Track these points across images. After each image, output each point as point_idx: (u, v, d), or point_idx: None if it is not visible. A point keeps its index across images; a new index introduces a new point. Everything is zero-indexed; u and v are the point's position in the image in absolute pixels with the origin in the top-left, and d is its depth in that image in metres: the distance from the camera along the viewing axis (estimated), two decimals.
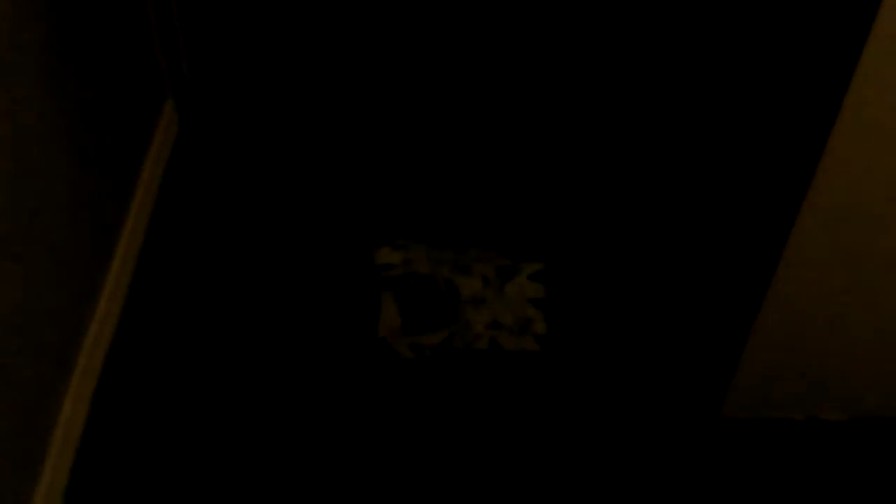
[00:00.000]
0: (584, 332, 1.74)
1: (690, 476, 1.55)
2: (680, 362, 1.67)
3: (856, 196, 1.31)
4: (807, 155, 1.30)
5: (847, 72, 1.18)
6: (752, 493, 1.53)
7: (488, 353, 1.69)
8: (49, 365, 1.47)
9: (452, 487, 1.51)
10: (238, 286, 1.80)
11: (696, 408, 1.60)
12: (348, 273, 1.82)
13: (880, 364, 1.55)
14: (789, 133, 1.75)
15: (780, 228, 1.36)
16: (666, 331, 1.73)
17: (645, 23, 1.92)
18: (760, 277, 1.44)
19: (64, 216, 1.53)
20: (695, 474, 1.55)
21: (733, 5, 1.83)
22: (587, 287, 1.82)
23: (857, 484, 1.55)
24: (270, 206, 1.96)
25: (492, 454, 1.55)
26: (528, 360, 1.69)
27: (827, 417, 1.60)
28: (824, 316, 1.48)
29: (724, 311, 1.70)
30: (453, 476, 1.52)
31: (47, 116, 1.46)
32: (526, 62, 2.04)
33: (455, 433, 1.58)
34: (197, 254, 1.86)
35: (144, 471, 1.52)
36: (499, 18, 1.97)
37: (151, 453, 1.54)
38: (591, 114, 2.07)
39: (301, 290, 1.80)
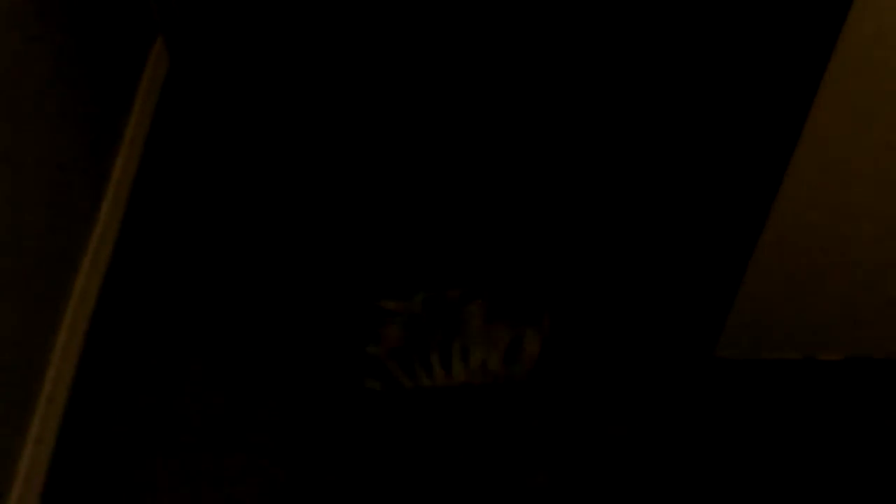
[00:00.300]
0: (583, 275, 1.71)
1: (686, 417, 1.53)
2: (674, 302, 1.65)
3: (852, 132, 1.27)
4: (802, 88, 1.26)
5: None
6: (747, 433, 1.52)
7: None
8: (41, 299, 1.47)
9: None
10: (226, 215, 1.79)
11: (690, 349, 1.58)
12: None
13: (878, 305, 1.52)
14: (787, 61, 1.70)
15: (776, 167, 1.33)
16: (661, 270, 1.70)
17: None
18: (756, 215, 1.41)
19: (56, 148, 1.51)
20: (690, 415, 1.54)
21: None
22: (587, 230, 1.78)
23: (852, 424, 1.53)
24: (261, 141, 1.92)
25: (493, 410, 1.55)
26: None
27: (823, 358, 1.57)
28: (821, 255, 1.44)
29: (719, 250, 1.67)
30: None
31: (38, 51, 1.44)
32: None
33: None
34: (189, 186, 1.85)
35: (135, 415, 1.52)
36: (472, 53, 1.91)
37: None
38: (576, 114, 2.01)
39: (295, 222, 1.79)
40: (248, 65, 2.09)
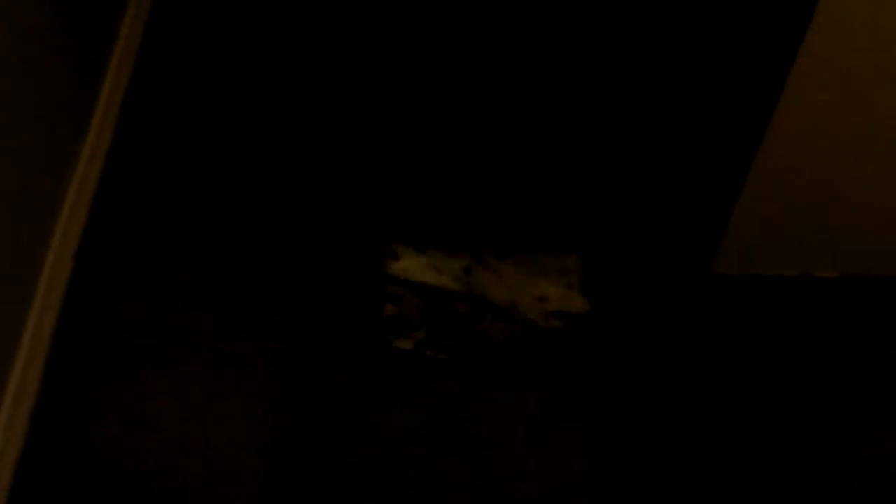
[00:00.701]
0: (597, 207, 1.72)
1: (686, 330, 1.55)
2: (672, 219, 1.65)
3: (847, 51, 1.28)
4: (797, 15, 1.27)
5: None
6: (744, 347, 1.52)
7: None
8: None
9: None
10: (221, 132, 1.77)
11: (688, 264, 1.58)
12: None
13: (872, 222, 1.53)
14: None
15: (771, 85, 1.33)
16: (659, 188, 1.70)
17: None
18: (753, 132, 1.41)
19: (48, 56, 1.49)
20: (690, 329, 1.55)
21: None
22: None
23: (845, 340, 1.54)
24: (252, 55, 1.90)
25: None
26: None
27: (819, 275, 1.58)
28: (817, 172, 1.45)
29: (716, 167, 1.67)
30: None
31: None
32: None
33: None
34: (182, 93, 1.83)
35: None
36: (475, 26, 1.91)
37: None
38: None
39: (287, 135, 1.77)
40: None
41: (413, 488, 1.39)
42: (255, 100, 1.83)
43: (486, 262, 1.55)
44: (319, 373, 1.49)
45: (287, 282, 1.59)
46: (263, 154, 1.75)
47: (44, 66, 1.48)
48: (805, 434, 1.44)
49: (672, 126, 1.78)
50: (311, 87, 1.85)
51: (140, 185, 1.70)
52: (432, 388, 1.48)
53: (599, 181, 1.72)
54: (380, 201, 1.69)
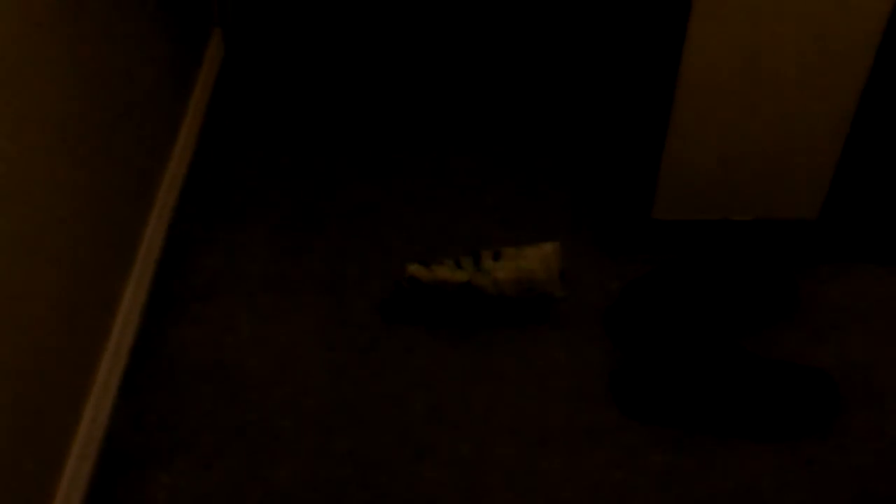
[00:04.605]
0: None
1: (632, 260, 2.03)
2: (619, 179, 2.11)
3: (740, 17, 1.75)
4: None
5: None
6: (677, 276, 1.98)
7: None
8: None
9: None
10: (277, 188, 2.30)
11: (633, 212, 2.05)
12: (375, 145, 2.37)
13: (777, 173, 1.95)
14: None
15: (671, 60, 1.78)
16: (609, 159, 2.19)
17: None
18: (663, 102, 1.86)
19: (132, 104, 2.04)
20: (634, 260, 2.03)
21: None
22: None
23: (757, 273, 1.98)
24: (307, 105, 2.49)
25: None
26: None
27: (736, 218, 2.03)
28: (722, 132, 1.88)
29: (641, 132, 2.01)
30: None
31: (126, 34, 1.96)
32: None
33: None
34: (246, 142, 2.43)
35: None
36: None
37: None
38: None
39: (339, 152, 2.34)
40: (291, 51, 2.63)
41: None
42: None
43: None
44: (354, 297, 1.99)
45: (327, 241, 2.11)
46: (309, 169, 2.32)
47: (126, 117, 2.04)
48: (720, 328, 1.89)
49: (615, 116, 2.26)
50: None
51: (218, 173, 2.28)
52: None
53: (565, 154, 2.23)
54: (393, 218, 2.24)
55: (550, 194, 2.21)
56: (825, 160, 1.93)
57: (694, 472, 1.69)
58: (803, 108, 1.84)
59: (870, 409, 1.78)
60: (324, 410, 1.78)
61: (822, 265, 2.03)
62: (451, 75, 2.58)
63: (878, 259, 2.04)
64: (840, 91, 1.82)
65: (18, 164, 1.44)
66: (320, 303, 1.98)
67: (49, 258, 1.56)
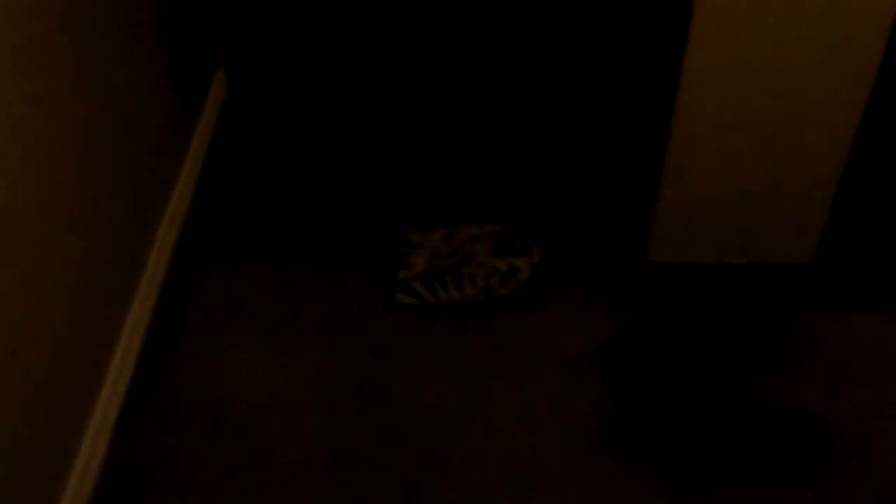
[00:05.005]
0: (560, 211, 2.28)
1: (626, 302, 2.04)
2: (614, 221, 2.13)
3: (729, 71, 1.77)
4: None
5: None
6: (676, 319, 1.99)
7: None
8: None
9: None
10: (278, 222, 2.33)
11: (628, 254, 2.06)
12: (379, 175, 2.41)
13: (770, 216, 1.96)
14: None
15: (665, 105, 1.80)
16: (607, 200, 2.21)
17: None
18: (658, 146, 1.88)
19: (138, 141, 2.07)
20: (628, 302, 2.04)
21: None
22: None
23: (752, 315, 1.99)
24: (308, 144, 2.51)
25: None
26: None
27: (731, 261, 2.04)
28: (718, 176, 1.89)
29: (640, 176, 2.04)
30: None
31: (129, 75, 1.99)
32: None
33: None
34: (248, 179, 2.46)
35: None
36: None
37: None
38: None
39: (342, 187, 2.38)
40: (294, 90, 2.67)
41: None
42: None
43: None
44: (351, 335, 2.00)
45: (325, 276, 2.13)
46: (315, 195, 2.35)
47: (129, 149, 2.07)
48: (714, 373, 1.90)
49: (613, 164, 2.29)
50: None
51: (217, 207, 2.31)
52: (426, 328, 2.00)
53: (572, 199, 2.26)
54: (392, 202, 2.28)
55: (545, 235, 2.23)
56: (819, 204, 1.94)
57: None
58: (796, 152, 1.86)
59: (863, 454, 1.78)
60: (318, 451, 1.79)
61: (817, 308, 2.04)
62: (452, 116, 2.60)
63: (873, 302, 2.05)
64: (833, 135, 1.84)
65: (20, 202, 1.46)
66: (317, 341, 1.99)
67: (48, 298, 1.58)
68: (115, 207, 1.87)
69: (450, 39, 2.73)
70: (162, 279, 2.08)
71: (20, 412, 1.49)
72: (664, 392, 1.83)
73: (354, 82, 2.72)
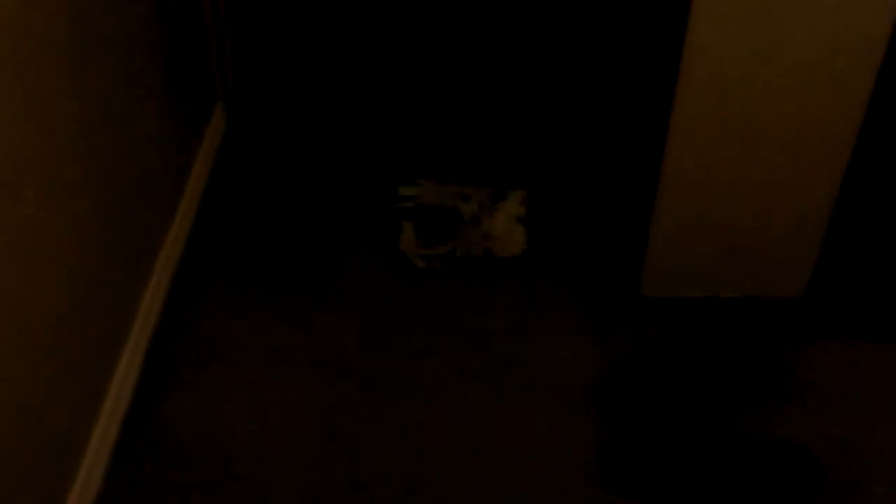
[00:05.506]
0: (551, 240, 2.29)
1: (620, 336, 2.04)
2: (607, 255, 2.13)
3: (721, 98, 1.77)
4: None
5: None
6: (667, 354, 2.00)
7: (483, 259, 2.25)
8: None
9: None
10: (282, 223, 2.39)
11: (621, 288, 2.07)
12: (377, 205, 2.44)
13: (763, 250, 1.97)
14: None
15: (658, 133, 1.82)
16: (600, 233, 2.22)
17: None
18: (650, 180, 1.89)
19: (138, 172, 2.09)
20: (622, 335, 2.05)
21: None
22: (554, 209, 2.39)
23: (746, 350, 2.00)
24: (307, 178, 2.54)
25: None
26: (513, 262, 2.26)
27: (725, 295, 2.05)
28: (710, 212, 1.91)
29: (633, 210, 2.04)
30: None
31: (127, 108, 2.02)
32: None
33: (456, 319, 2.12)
34: (246, 214, 2.49)
35: None
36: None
37: None
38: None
39: (339, 223, 2.40)
40: (295, 126, 2.72)
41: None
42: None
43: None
44: (348, 371, 2.01)
45: (321, 311, 2.14)
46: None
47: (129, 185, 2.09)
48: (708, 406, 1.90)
49: (605, 196, 2.30)
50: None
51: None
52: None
53: (569, 234, 2.29)
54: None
55: (537, 268, 2.25)
56: (812, 237, 1.95)
57: None
58: (789, 187, 1.87)
59: (856, 489, 1.78)
60: (314, 486, 1.80)
61: (811, 342, 2.05)
62: (448, 155, 2.62)
63: (867, 335, 2.06)
64: (825, 169, 1.85)
65: (17, 233, 1.48)
66: (315, 375, 2.00)
67: (46, 326, 1.59)
68: (112, 239, 1.89)
69: (443, 70, 2.75)
70: (159, 312, 2.09)
71: (16, 444, 1.50)
72: (658, 425, 1.84)
73: (354, 117, 2.74)
